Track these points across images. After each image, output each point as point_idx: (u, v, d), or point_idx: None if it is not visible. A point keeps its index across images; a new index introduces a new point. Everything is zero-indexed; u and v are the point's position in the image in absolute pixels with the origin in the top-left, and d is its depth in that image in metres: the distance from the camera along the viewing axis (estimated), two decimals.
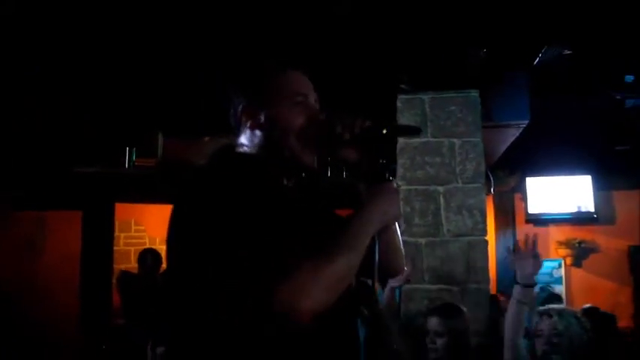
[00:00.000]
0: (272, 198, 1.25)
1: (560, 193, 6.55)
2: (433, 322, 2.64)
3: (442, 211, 3.37)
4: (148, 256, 4.96)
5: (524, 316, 2.41)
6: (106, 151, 4.95)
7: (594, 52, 3.56)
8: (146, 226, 6.87)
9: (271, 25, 3.08)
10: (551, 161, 6.14)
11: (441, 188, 3.40)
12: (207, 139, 4.12)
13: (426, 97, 3.46)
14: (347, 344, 1.26)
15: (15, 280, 5.66)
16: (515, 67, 3.61)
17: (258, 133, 1.32)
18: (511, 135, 4.12)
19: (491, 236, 5.87)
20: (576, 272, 6.57)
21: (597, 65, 3.77)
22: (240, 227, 1.11)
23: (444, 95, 3.46)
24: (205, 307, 1.13)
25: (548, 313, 2.39)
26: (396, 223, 1.37)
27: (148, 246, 5.97)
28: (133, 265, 5.84)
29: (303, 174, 1.37)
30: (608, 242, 6.55)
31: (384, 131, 1.26)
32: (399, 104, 3.49)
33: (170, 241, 1.22)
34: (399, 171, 3.44)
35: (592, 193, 6.48)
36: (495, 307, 3.67)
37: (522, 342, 2.40)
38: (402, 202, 3.41)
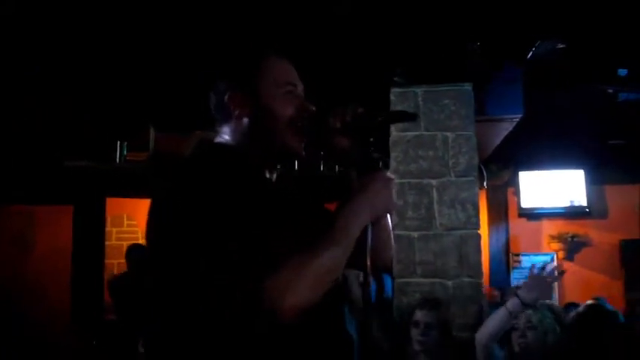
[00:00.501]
0: (259, 190, 1.22)
1: (553, 188, 6.57)
2: (424, 315, 2.64)
3: (435, 205, 3.36)
4: (134, 251, 4.91)
5: (507, 327, 2.43)
6: (97, 145, 4.92)
7: (587, 46, 3.56)
8: (138, 221, 6.83)
9: (266, 19, 3.06)
10: (545, 155, 6.15)
11: (434, 182, 3.39)
12: (199, 133, 4.09)
13: (419, 90, 3.45)
14: (336, 338, 1.24)
15: (5, 274, 5.62)
16: (508, 60, 3.60)
17: (245, 122, 1.28)
18: (504, 129, 4.11)
19: (484, 230, 5.87)
20: (569, 266, 6.58)
21: (590, 59, 3.77)
22: (223, 220, 1.07)
23: (438, 88, 3.44)
24: (187, 303, 1.09)
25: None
26: (388, 215, 1.33)
27: (140, 241, 5.94)
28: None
29: (295, 165, 1.34)
30: (601, 236, 6.58)
31: (379, 119, 1.22)
32: (392, 97, 3.47)
33: (151, 235, 1.18)
34: (392, 164, 3.43)
35: (585, 187, 6.50)
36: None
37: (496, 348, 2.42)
38: (395, 196, 3.40)
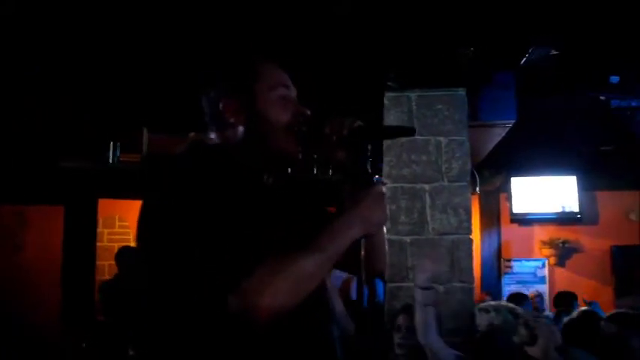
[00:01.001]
0: (250, 192, 1.21)
1: (545, 193, 6.60)
2: (405, 319, 2.63)
3: (427, 210, 3.37)
4: (124, 253, 4.89)
5: (432, 317, 2.41)
6: (90, 146, 4.89)
7: (580, 52, 3.58)
8: (130, 223, 6.80)
9: (264, 23, 3.06)
10: (537, 161, 6.18)
11: (426, 186, 3.39)
12: (192, 135, 4.07)
13: (412, 94, 3.45)
14: (319, 343, 1.22)
15: None
16: (502, 66, 3.61)
17: (241, 129, 1.27)
18: (497, 134, 4.13)
19: (476, 235, 5.89)
20: (560, 272, 6.62)
21: (583, 66, 3.79)
22: (206, 220, 1.07)
23: (431, 93, 3.45)
24: (169, 303, 1.09)
25: (485, 309, 2.40)
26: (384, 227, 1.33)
27: (132, 243, 5.91)
28: None
29: (289, 169, 1.34)
30: (592, 242, 6.62)
31: (377, 133, 1.22)
32: (385, 101, 3.47)
33: (139, 237, 1.18)
34: (385, 168, 3.43)
35: (577, 193, 6.53)
36: None
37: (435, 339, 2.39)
38: (387, 200, 3.40)
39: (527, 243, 6.75)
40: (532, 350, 2.20)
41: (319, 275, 1.12)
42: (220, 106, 1.27)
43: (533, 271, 6.65)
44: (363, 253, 1.18)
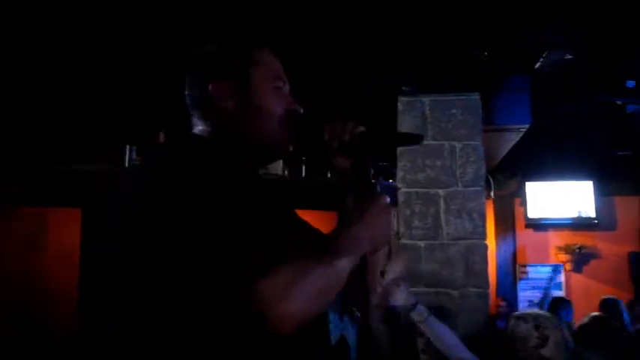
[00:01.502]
0: (253, 189, 1.13)
1: (560, 198, 6.55)
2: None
3: (442, 214, 3.37)
4: None
5: (444, 331, 2.39)
6: (107, 150, 4.95)
7: (596, 56, 3.56)
8: None
9: (271, 23, 3.07)
10: (552, 166, 6.13)
11: (441, 191, 3.39)
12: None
13: (426, 99, 3.46)
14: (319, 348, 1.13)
15: (15, 276, 5.66)
16: (516, 70, 3.60)
17: (229, 116, 1.15)
18: (512, 139, 4.11)
19: (490, 240, 5.86)
20: (576, 278, 6.55)
21: (599, 70, 3.77)
22: (217, 218, 0.96)
23: (445, 98, 3.45)
24: (179, 304, 0.97)
25: (524, 319, 2.36)
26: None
27: None
28: None
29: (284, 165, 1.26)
30: (609, 248, 6.54)
31: (382, 140, 1.12)
32: (399, 106, 3.48)
33: (130, 229, 1.03)
34: (399, 173, 3.43)
35: (593, 198, 6.47)
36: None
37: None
38: (402, 205, 3.41)
39: (542, 248, 6.69)
40: (545, 351, 2.18)
41: (340, 285, 1.02)
42: (210, 88, 1.16)
43: (549, 277, 6.59)
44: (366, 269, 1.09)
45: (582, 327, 2.76)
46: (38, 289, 5.73)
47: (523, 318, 2.18)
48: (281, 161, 4.28)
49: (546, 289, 6.45)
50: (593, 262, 6.56)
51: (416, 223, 3.38)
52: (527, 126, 3.81)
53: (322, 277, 0.98)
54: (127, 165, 4.90)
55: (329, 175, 4.43)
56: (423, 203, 3.40)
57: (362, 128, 1.12)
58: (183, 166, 1.04)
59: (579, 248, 6.49)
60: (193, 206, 0.96)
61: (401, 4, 2.91)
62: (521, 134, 3.96)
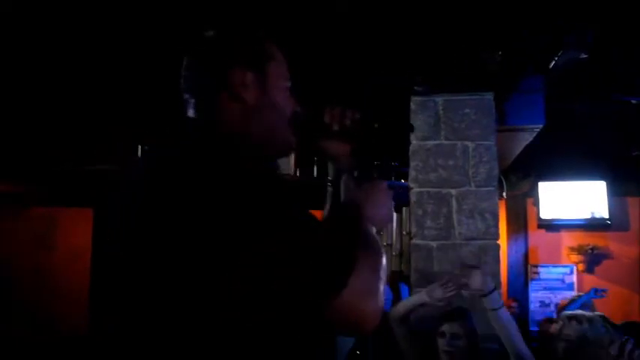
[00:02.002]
0: (283, 190, 1.05)
1: (573, 199, 6.50)
2: (451, 325, 2.61)
3: (454, 215, 3.35)
4: None
5: (510, 323, 2.36)
6: (118, 149, 4.96)
7: (610, 56, 3.53)
8: None
9: (279, 27, 3.07)
10: (565, 166, 6.09)
11: (453, 191, 3.37)
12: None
13: (439, 99, 3.44)
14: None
15: (26, 275, 5.70)
16: (530, 70, 3.58)
17: (244, 108, 1.08)
18: (525, 139, 4.09)
19: (503, 241, 5.84)
20: (589, 279, 6.50)
21: (613, 70, 3.73)
22: (270, 224, 0.91)
23: (458, 97, 3.43)
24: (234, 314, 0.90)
25: (578, 319, 2.32)
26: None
27: None
28: None
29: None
30: (622, 249, 6.48)
31: (375, 125, 1.16)
32: (412, 106, 3.47)
33: (163, 238, 0.94)
34: (412, 173, 3.42)
35: (606, 199, 6.42)
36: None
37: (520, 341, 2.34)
38: (414, 205, 3.40)
39: (554, 249, 6.64)
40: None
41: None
42: (229, 74, 1.08)
43: (561, 278, 6.54)
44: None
45: None
46: (48, 288, 5.77)
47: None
48: (292, 161, 4.27)
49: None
50: (605, 263, 6.51)
51: (428, 223, 3.36)
52: (541, 126, 3.79)
53: (377, 260, 0.98)
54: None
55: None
56: (436, 203, 3.38)
57: (360, 114, 1.16)
58: (205, 170, 0.96)
59: (592, 249, 6.44)
60: (235, 214, 0.90)
61: (416, 4, 2.90)
62: (534, 134, 3.93)
